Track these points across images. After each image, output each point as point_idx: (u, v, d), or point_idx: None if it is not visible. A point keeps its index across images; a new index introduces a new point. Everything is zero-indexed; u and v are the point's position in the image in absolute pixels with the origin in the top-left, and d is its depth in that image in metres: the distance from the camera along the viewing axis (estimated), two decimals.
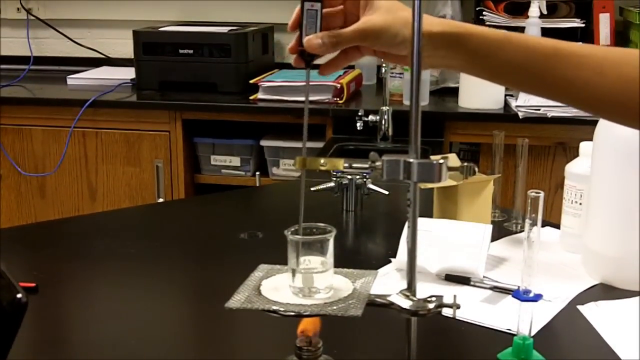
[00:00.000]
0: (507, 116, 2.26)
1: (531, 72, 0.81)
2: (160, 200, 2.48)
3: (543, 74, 0.81)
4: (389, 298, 0.72)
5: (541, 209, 0.83)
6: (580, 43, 0.83)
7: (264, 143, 2.52)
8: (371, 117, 2.18)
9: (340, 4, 0.83)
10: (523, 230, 1.28)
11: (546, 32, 2.42)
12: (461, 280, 1.10)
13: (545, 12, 2.45)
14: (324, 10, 0.80)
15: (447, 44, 0.80)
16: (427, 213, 1.26)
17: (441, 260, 1.11)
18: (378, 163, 0.69)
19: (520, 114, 2.21)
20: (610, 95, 0.79)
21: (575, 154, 1.23)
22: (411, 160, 0.68)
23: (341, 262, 0.77)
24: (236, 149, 2.55)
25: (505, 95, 2.35)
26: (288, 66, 2.71)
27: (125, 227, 1.40)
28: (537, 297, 0.85)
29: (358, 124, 2.19)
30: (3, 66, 3.01)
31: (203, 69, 2.56)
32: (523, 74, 0.82)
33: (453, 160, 0.87)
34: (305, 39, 0.79)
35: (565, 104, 0.85)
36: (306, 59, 0.80)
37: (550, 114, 2.18)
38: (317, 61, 0.82)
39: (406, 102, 2.39)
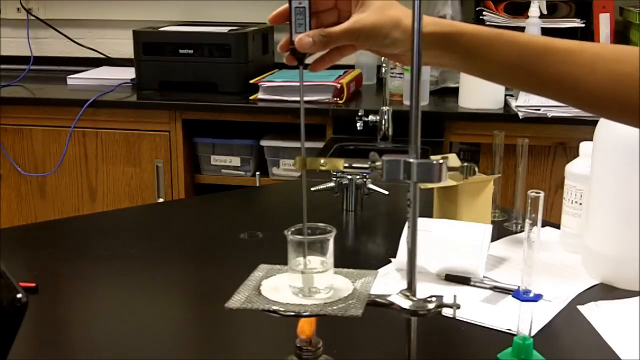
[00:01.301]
0: (507, 116, 2.26)
1: (522, 69, 0.81)
2: (160, 200, 2.48)
3: (534, 71, 0.81)
4: (389, 298, 0.72)
5: (541, 209, 0.83)
6: (573, 40, 0.82)
7: (264, 143, 2.52)
8: (371, 117, 2.18)
9: (334, 1, 0.82)
10: (523, 230, 1.28)
11: (546, 32, 2.42)
12: (461, 280, 1.10)
13: (545, 12, 2.45)
14: (318, 8, 0.80)
15: (439, 44, 0.80)
16: (427, 213, 1.26)
17: (441, 260, 1.11)
18: (378, 163, 0.69)
19: (520, 114, 2.21)
20: (601, 92, 0.79)
21: (575, 154, 1.23)
22: (411, 160, 0.68)
23: (341, 262, 0.77)
24: (236, 149, 2.55)
25: (506, 95, 2.36)
26: (288, 66, 2.70)
27: (125, 227, 1.40)
28: (537, 297, 0.85)
29: (358, 124, 2.19)
30: (3, 66, 3.01)
31: (203, 69, 2.56)
32: (514, 71, 0.82)
33: (453, 160, 0.87)
34: (296, 38, 0.78)
35: (557, 101, 0.85)
36: (298, 56, 0.80)
37: (550, 114, 2.18)
38: (309, 59, 0.81)
39: (406, 102, 2.39)
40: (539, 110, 2.20)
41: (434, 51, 0.81)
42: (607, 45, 0.84)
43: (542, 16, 2.44)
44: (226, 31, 2.61)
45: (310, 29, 0.78)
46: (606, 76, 0.79)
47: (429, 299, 0.71)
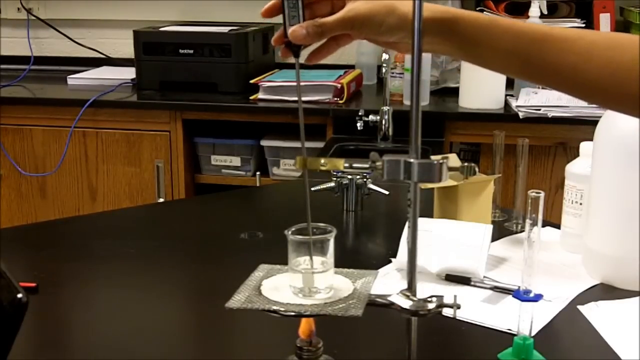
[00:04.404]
0: (507, 116, 2.26)
1: (519, 57, 0.80)
2: (161, 200, 2.48)
3: (531, 58, 0.80)
4: (389, 298, 0.72)
5: (541, 209, 0.83)
6: (570, 27, 0.81)
7: (264, 143, 2.52)
8: (371, 117, 2.18)
9: None
10: (523, 230, 1.28)
11: None
12: (461, 280, 1.10)
13: (545, 12, 2.45)
14: None
15: (435, 30, 0.79)
16: (428, 213, 1.26)
17: (441, 260, 1.11)
18: (378, 163, 0.69)
19: (521, 114, 2.21)
20: (599, 80, 0.78)
21: (575, 154, 1.23)
22: (411, 160, 0.68)
23: (341, 262, 0.77)
24: (236, 149, 2.55)
25: (506, 95, 2.36)
26: (288, 66, 2.71)
27: (125, 227, 1.40)
28: (538, 297, 0.85)
29: (358, 124, 2.19)
30: (3, 66, 3.01)
31: (203, 69, 2.56)
32: (511, 58, 0.81)
33: (453, 160, 0.87)
34: (289, 30, 0.78)
35: (555, 89, 0.84)
36: (293, 49, 0.79)
37: (550, 114, 2.18)
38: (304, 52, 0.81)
39: (406, 102, 2.39)
40: (539, 110, 2.20)
41: (431, 37, 0.79)
42: (605, 33, 0.82)
43: (542, 16, 2.44)
44: (226, 31, 2.61)
45: (304, 20, 0.78)
46: (604, 64, 0.78)
47: (429, 299, 0.71)
